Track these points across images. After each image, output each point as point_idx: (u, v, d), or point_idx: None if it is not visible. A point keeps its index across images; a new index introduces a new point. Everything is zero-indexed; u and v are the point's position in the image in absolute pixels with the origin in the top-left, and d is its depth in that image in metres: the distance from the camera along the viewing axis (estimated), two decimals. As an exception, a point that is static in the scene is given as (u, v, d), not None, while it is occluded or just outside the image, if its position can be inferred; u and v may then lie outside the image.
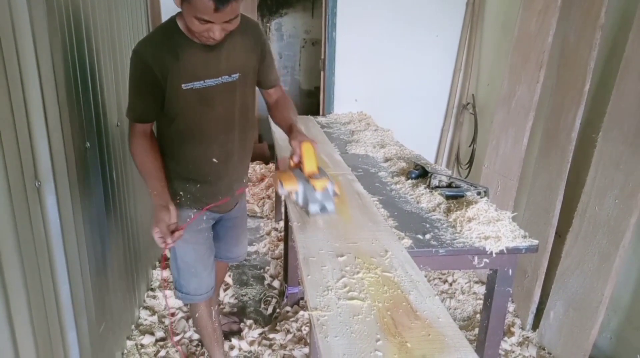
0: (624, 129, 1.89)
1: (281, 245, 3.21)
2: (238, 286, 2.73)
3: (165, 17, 1.76)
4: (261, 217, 3.78)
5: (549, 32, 2.37)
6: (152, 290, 2.60)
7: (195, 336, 2.23)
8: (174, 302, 2.46)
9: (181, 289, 1.73)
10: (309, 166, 1.33)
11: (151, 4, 2.78)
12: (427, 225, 1.43)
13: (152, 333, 2.21)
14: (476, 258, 1.32)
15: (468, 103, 3.56)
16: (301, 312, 2.39)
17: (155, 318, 2.34)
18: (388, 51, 3.53)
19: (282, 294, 2.62)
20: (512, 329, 2.35)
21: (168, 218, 1.47)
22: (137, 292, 2.34)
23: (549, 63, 2.40)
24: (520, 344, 2.27)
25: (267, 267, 2.94)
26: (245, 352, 2.16)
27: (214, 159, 1.57)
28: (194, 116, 1.49)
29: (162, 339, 2.21)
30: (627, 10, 2.06)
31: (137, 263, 2.34)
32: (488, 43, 3.36)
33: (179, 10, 1.33)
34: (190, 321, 2.30)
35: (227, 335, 2.22)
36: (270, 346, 2.18)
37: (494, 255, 1.30)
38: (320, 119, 3.36)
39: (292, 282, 2.51)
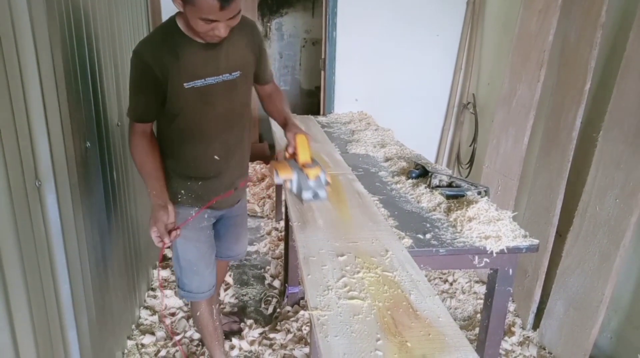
0: (624, 129, 1.89)
1: (281, 245, 3.21)
2: (238, 286, 2.73)
3: (165, 16, 1.76)
4: (262, 217, 3.78)
5: (549, 31, 2.37)
6: (153, 289, 2.60)
7: (196, 335, 2.23)
8: (174, 302, 2.46)
9: (184, 287, 1.74)
10: (303, 156, 1.42)
11: (151, 3, 2.78)
12: (428, 225, 1.43)
13: (153, 333, 2.21)
14: (477, 257, 1.32)
15: (468, 103, 3.56)
16: (301, 312, 2.39)
17: (155, 317, 2.34)
18: (388, 50, 3.53)
19: (282, 294, 2.62)
20: (512, 329, 2.35)
21: (166, 218, 1.49)
22: (137, 292, 2.34)
23: (549, 62, 2.40)
24: (520, 344, 2.27)
25: (268, 267, 2.94)
26: (246, 351, 2.16)
27: (216, 157, 1.59)
28: (196, 115, 1.50)
29: (163, 339, 2.21)
30: (627, 9, 2.06)
31: (138, 262, 2.34)
32: (488, 42, 3.36)
33: (178, 10, 1.33)
34: (191, 320, 2.31)
35: (228, 335, 2.22)
36: (270, 346, 2.18)
37: (495, 255, 1.30)
38: (320, 118, 3.36)
39: (293, 282, 2.51)
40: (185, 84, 1.43)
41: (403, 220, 1.45)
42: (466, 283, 2.72)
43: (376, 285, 1.03)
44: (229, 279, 2.75)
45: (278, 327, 2.31)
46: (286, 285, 2.55)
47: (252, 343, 2.20)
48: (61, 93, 1.40)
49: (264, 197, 4.10)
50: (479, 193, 1.62)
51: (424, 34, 3.52)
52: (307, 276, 1.07)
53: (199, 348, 2.15)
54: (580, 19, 2.23)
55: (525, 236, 1.34)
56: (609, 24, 2.11)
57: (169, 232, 1.50)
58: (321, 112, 3.76)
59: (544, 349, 2.22)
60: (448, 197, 1.61)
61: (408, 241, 1.30)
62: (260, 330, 2.30)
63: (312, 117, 3.36)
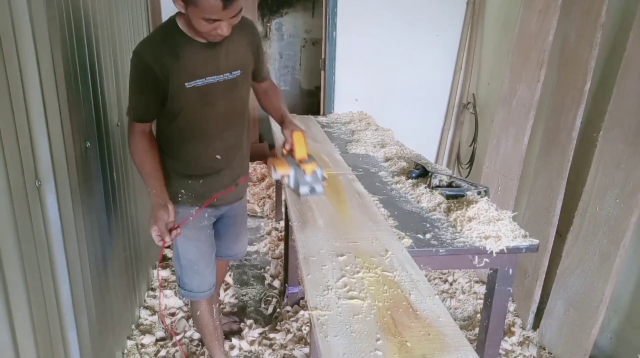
0: (624, 129, 1.89)
1: (281, 245, 3.21)
2: (238, 286, 2.74)
3: (165, 16, 1.77)
4: (261, 217, 3.78)
5: (549, 31, 2.37)
6: (153, 289, 2.60)
7: (196, 335, 2.23)
8: (174, 302, 2.46)
9: (184, 286, 1.75)
10: (300, 153, 1.47)
11: (151, 3, 2.78)
12: (428, 225, 1.43)
13: (153, 333, 2.21)
14: (476, 257, 1.32)
15: (468, 103, 3.56)
16: (301, 312, 2.39)
17: (155, 317, 2.34)
18: (388, 50, 3.53)
19: (282, 294, 2.62)
20: (512, 329, 2.35)
21: (166, 217, 1.49)
22: (137, 292, 2.34)
23: (549, 62, 2.40)
24: (520, 344, 2.27)
25: (268, 267, 2.94)
26: (246, 351, 2.16)
27: (217, 156, 1.60)
28: (196, 114, 1.51)
29: (163, 339, 2.21)
30: (627, 9, 2.06)
31: (138, 262, 2.34)
32: (488, 42, 3.36)
33: (178, 10, 1.33)
34: (191, 320, 2.31)
35: (228, 335, 2.22)
36: (270, 346, 2.18)
37: (495, 255, 1.30)
38: (320, 118, 3.36)
39: (293, 282, 2.51)
40: (186, 84, 1.43)
41: (403, 220, 1.45)
42: (466, 283, 2.72)
43: (376, 285, 1.03)
44: (229, 279, 2.75)
45: (278, 327, 2.31)
46: (286, 285, 2.55)
47: (252, 343, 2.20)
48: (61, 93, 1.40)
49: (264, 197, 4.10)
50: (479, 193, 1.62)
51: (424, 34, 3.52)
52: (307, 276, 1.07)
53: (199, 348, 2.15)
54: (580, 19, 2.23)
55: (525, 236, 1.34)
56: (609, 24, 2.11)
57: (170, 231, 1.50)
58: (321, 112, 3.76)
59: (544, 349, 2.22)
60: (448, 197, 1.61)
61: (408, 241, 1.30)
62: (260, 330, 2.30)
63: (312, 117, 3.36)
